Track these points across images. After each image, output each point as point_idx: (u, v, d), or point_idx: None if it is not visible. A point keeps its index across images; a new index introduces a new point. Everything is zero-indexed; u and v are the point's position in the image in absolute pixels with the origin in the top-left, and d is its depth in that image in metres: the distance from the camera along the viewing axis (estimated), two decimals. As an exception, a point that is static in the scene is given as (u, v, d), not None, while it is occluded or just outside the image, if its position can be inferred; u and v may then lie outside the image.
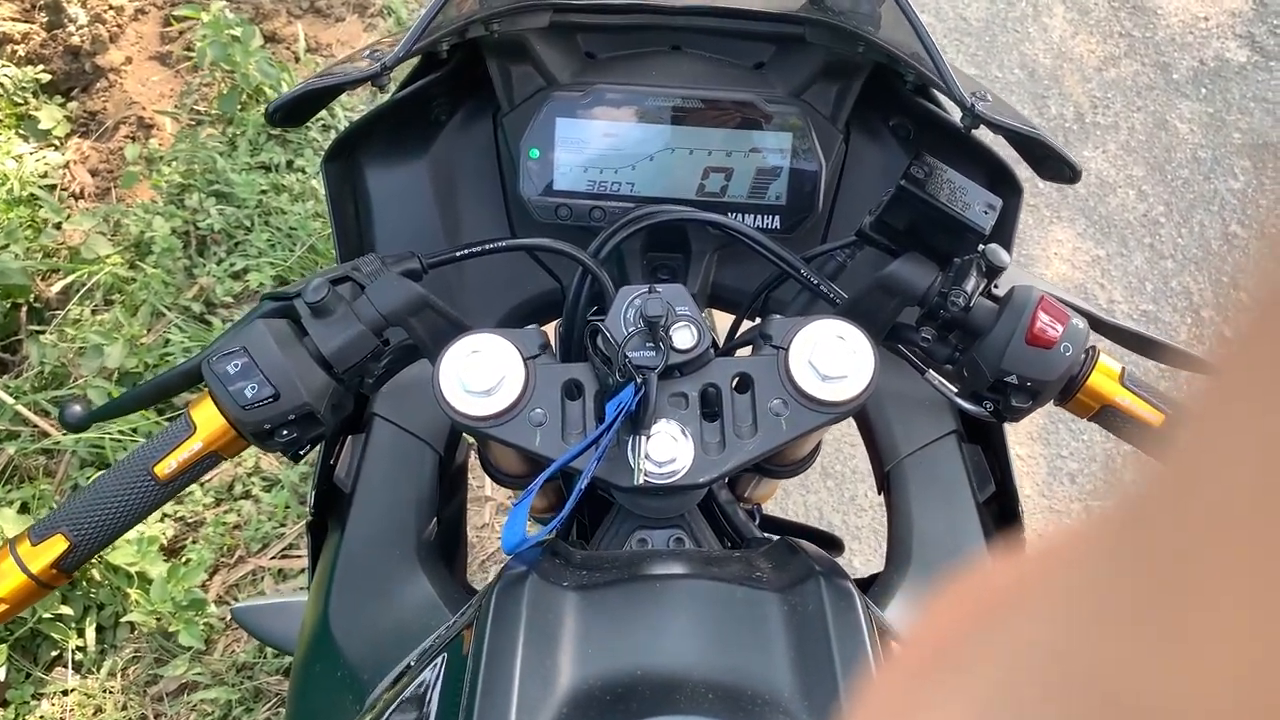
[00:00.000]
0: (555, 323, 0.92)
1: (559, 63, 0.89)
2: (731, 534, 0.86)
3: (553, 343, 0.73)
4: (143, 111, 2.53)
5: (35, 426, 2.05)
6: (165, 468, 0.69)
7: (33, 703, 1.84)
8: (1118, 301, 2.41)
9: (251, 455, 2.04)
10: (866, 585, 0.84)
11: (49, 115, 2.47)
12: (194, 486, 1.95)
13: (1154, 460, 0.17)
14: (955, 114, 0.79)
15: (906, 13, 0.76)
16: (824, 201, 0.89)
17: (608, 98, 0.87)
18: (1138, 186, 2.60)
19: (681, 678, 0.54)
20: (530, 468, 0.84)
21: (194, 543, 1.97)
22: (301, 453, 0.74)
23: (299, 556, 1.97)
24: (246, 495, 2.03)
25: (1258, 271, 0.15)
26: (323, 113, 0.72)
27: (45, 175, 2.40)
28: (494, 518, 2.04)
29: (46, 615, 1.82)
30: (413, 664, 0.68)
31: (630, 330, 0.68)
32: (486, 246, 0.82)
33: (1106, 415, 0.76)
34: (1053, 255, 2.47)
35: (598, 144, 0.88)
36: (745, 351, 0.75)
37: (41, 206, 2.32)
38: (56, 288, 2.24)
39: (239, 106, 2.46)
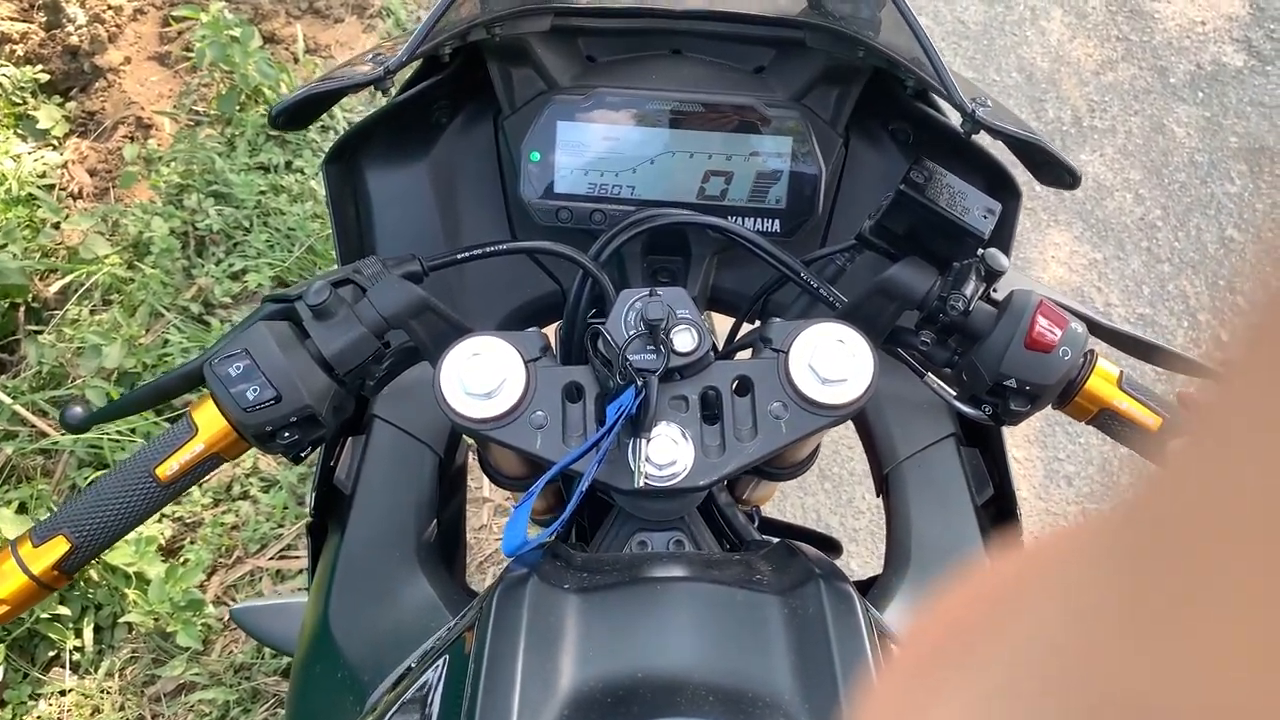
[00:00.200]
0: (556, 325, 0.93)
1: (560, 66, 0.89)
2: (731, 536, 0.87)
3: (553, 345, 0.73)
4: (141, 111, 2.53)
5: (33, 427, 2.05)
6: (167, 469, 0.69)
7: (30, 703, 1.84)
8: (1114, 305, 2.42)
9: (250, 456, 2.04)
10: (865, 588, 0.84)
11: (47, 115, 2.47)
12: (192, 487, 1.95)
13: (1152, 463, 0.17)
14: (955, 119, 0.80)
15: (906, 17, 0.76)
16: (824, 205, 0.89)
17: (608, 101, 0.88)
18: (1135, 190, 2.60)
19: (682, 680, 0.55)
20: (530, 470, 0.84)
21: (192, 543, 1.97)
22: (303, 455, 0.74)
23: (297, 557, 1.97)
24: (245, 496, 2.03)
25: (1256, 276, 0.15)
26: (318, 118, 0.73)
27: (44, 175, 2.40)
28: (492, 519, 2.05)
29: (44, 615, 1.82)
30: (414, 666, 0.68)
31: (631, 333, 0.68)
32: (487, 249, 0.82)
33: (1104, 419, 0.77)
34: (1050, 258, 2.48)
35: (598, 147, 0.88)
36: (745, 354, 0.76)
37: (40, 206, 2.32)
38: (55, 288, 2.24)
39: (238, 107, 2.46)
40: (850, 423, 0.88)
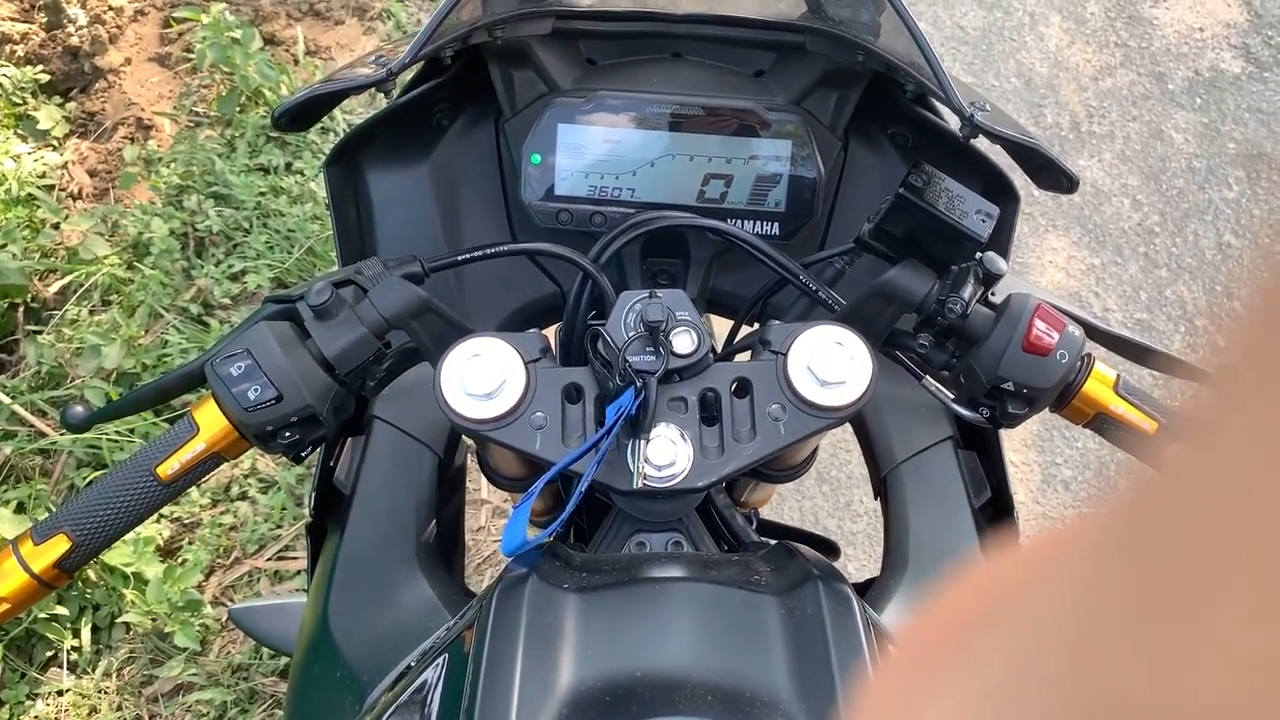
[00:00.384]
0: (555, 327, 0.93)
1: (561, 69, 0.89)
2: (729, 538, 0.87)
3: (553, 347, 0.73)
4: (141, 113, 2.53)
5: (32, 427, 2.05)
6: (168, 468, 0.70)
7: (27, 703, 1.84)
8: (1112, 310, 2.42)
9: (249, 458, 2.04)
10: (863, 590, 0.85)
11: (48, 115, 2.48)
12: (191, 488, 1.95)
13: (1148, 466, 0.17)
14: (954, 123, 0.80)
15: (906, 22, 0.77)
16: (823, 208, 0.90)
17: (609, 104, 0.88)
18: (1133, 196, 2.61)
19: (681, 679, 0.55)
20: (529, 471, 0.85)
21: (190, 544, 1.98)
22: (303, 454, 0.74)
23: (295, 558, 1.98)
24: (243, 497, 2.03)
25: (1253, 280, 0.16)
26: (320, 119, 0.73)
27: (43, 175, 2.40)
28: (490, 521, 2.05)
29: (42, 615, 1.82)
30: (413, 665, 0.68)
31: (630, 335, 0.69)
32: (488, 251, 0.83)
33: (1101, 422, 0.77)
34: (1048, 263, 2.48)
35: (599, 150, 0.89)
36: (744, 357, 0.76)
37: (39, 206, 2.32)
38: (54, 288, 2.24)
39: (238, 108, 2.46)
40: (848, 425, 0.88)
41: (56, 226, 2.31)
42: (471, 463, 1.22)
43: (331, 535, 0.86)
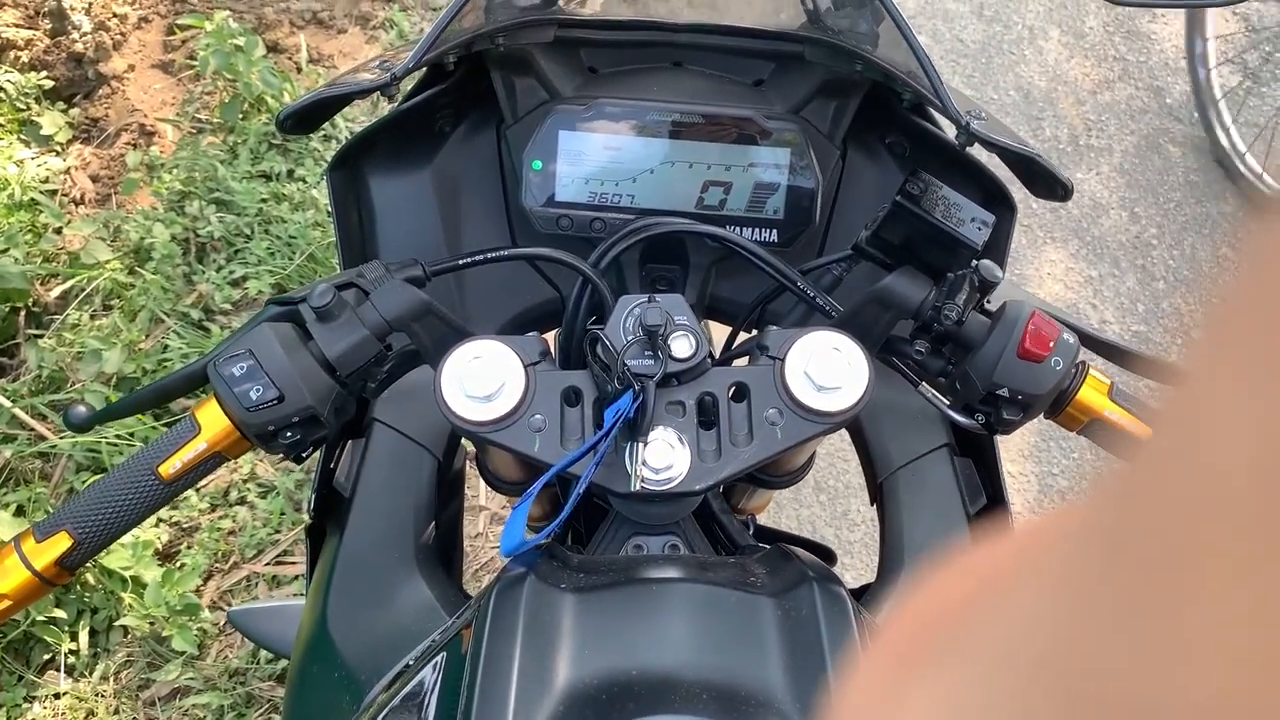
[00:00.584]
0: (555, 332, 0.94)
1: (562, 77, 0.90)
2: (725, 542, 0.88)
3: (552, 351, 0.74)
4: (144, 119, 2.54)
5: (32, 430, 2.05)
6: (169, 468, 0.70)
7: (24, 705, 1.84)
8: (1109, 322, 2.43)
9: (248, 462, 2.05)
10: (858, 595, 0.85)
11: (51, 121, 2.49)
12: (190, 492, 1.96)
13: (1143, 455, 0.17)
14: (951, 132, 0.81)
15: (904, 32, 0.78)
16: (821, 216, 0.91)
17: (610, 112, 0.89)
18: (1130, 208, 2.62)
19: (676, 678, 0.55)
20: (528, 474, 0.85)
21: (189, 548, 1.98)
22: (304, 455, 0.75)
23: (293, 563, 1.98)
24: (242, 501, 2.04)
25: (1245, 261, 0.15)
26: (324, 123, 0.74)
27: (46, 180, 2.41)
28: (488, 527, 2.05)
29: (40, 618, 1.82)
30: (410, 664, 0.69)
31: (629, 339, 0.69)
32: (489, 255, 0.83)
33: (1096, 429, 0.78)
34: (1046, 275, 2.49)
35: (599, 157, 0.89)
36: (742, 362, 0.77)
37: (42, 211, 2.33)
38: (55, 292, 2.25)
39: (240, 115, 2.47)
40: (845, 434, 0.89)
41: (59, 231, 2.32)
42: (470, 468, 1.22)
43: (331, 537, 0.86)
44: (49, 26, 2.61)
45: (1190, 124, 2.76)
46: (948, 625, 0.26)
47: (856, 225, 0.82)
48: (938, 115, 0.84)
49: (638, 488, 0.66)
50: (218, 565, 1.99)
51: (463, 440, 0.93)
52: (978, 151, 0.81)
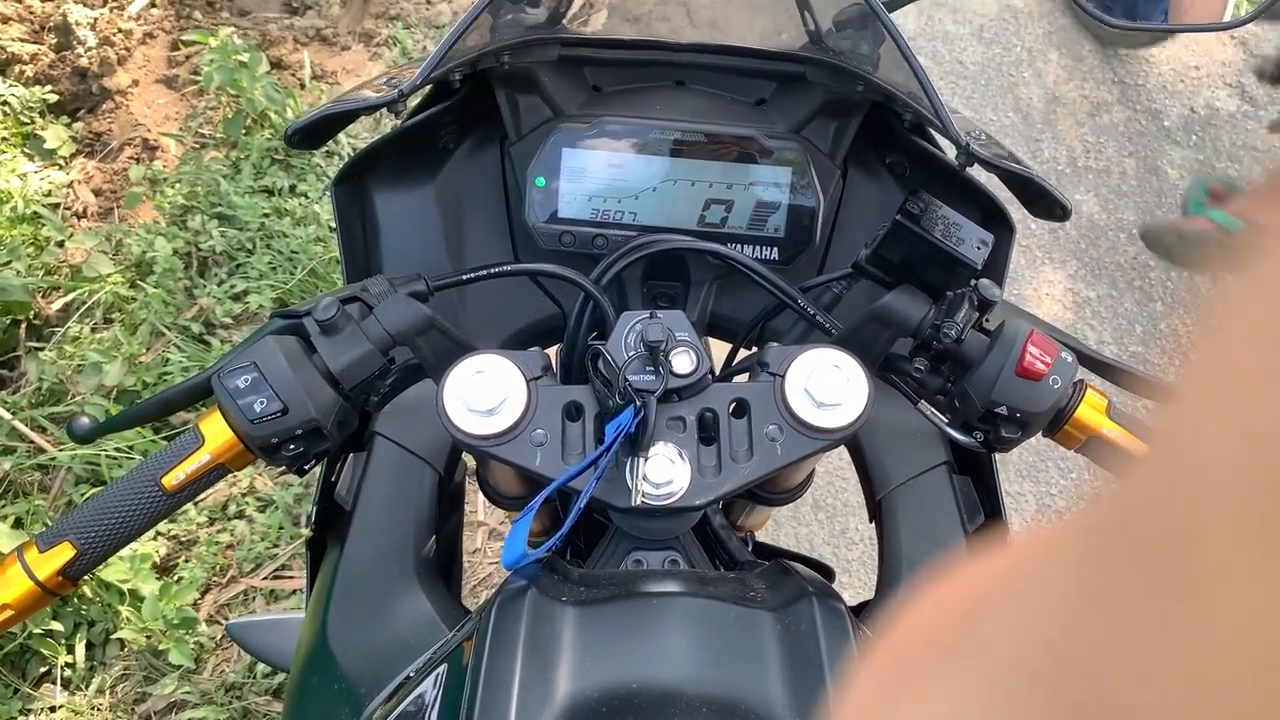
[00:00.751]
0: (555, 347, 0.94)
1: (566, 95, 0.91)
2: (724, 558, 0.88)
3: (553, 366, 0.74)
4: (148, 133, 2.55)
5: (31, 442, 2.05)
6: (173, 479, 0.70)
7: (20, 718, 1.83)
8: (1107, 343, 2.44)
9: (246, 475, 2.05)
10: (857, 612, 0.85)
11: (54, 135, 2.50)
12: (188, 505, 1.96)
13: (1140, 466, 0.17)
14: (950, 153, 0.82)
15: (905, 54, 0.78)
16: (821, 234, 0.91)
17: (613, 130, 0.90)
18: (1128, 230, 2.63)
19: (676, 691, 0.56)
20: (528, 489, 0.86)
21: (187, 561, 1.98)
22: (307, 467, 0.75)
23: (291, 577, 1.98)
24: (240, 515, 2.04)
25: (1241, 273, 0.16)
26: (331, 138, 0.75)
27: (49, 194, 2.42)
28: (486, 543, 2.05)
29: (36, 631, 1.82)
30: (411, 675, 0.69)
31: (631, 354, 0.70)
32: (492, 270, 0.84)
33: (1094, 446, 0.78)
34: (1044, 296, 2.50)
35: (602, 174, 0.90)
36: (742, 378, 0.77)
37: (44, 225, 2.34)
38: (57, 305, 2.25)
39: (244, 131, 2.48)
40: (844, 452, 0.89)
41: (61, 244, 2.33)
42: (469, 485, 1.23)
43: (331, 550, 0.87)
44: (54, 41, 2.63)
45: (1188, 146, 2.77)
46: (948, 632, 0.26)
47: (856, 244, 0.83)
48: (937, 136, 0.85)
49: (638, 502, 0.67)
50: (215, 579, 1.99)
51: (463, 455, 0.94)
52: (977, 172, 0.82)
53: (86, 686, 1.87)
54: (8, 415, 2.05)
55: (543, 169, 0.90)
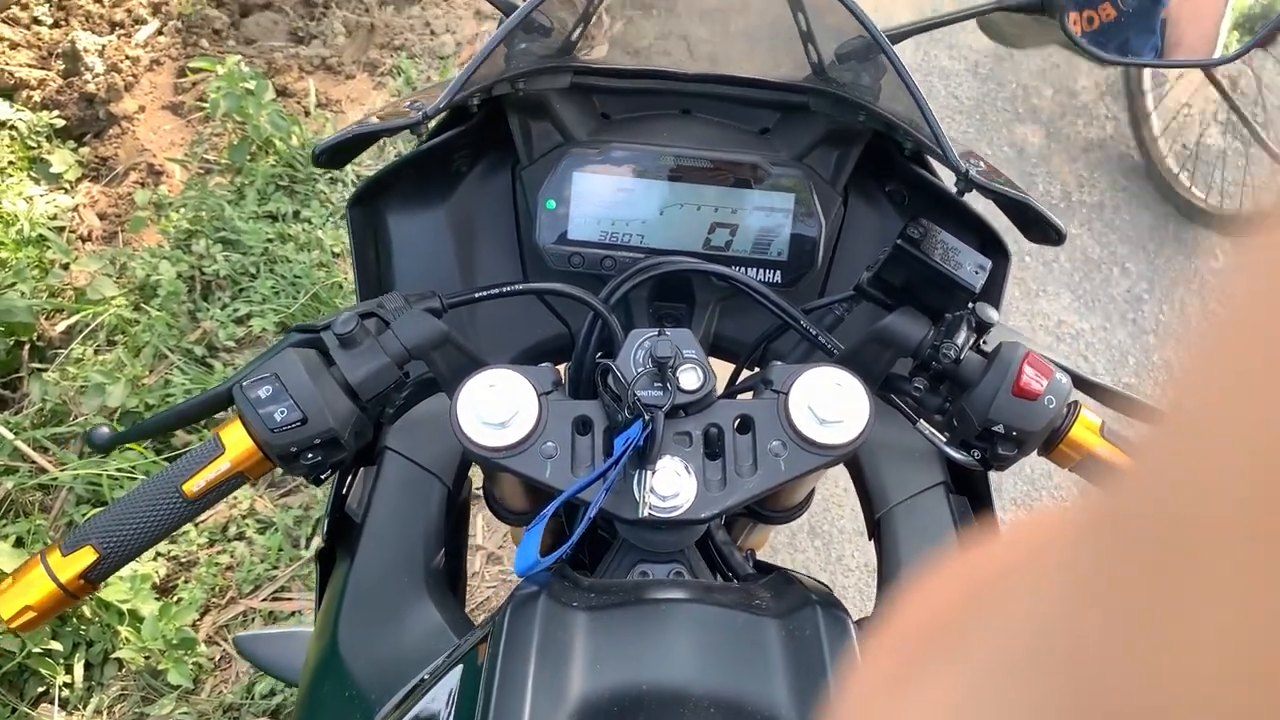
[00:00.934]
0: (563, 366, 0.96)
1: (577, 121, 0.94)
2: (727, 572, 0.90)
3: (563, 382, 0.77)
4: (153, 158, 2.59)
5: (33, 463, 2.07)
6: (194, 486, 0.72)
7: (17, 738, 1.84)
8: (1101, 374, 2.47)
9: (246, 497, 2.06)
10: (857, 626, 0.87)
11: (61, 159, 2.53)
12: (188, 526, 1.97)
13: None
14: (948, 181, 0.84)
15: (907, 83, 0.81)
16: (823, 258, 0.94)
17: (621, 155, 0.92)
18: (1122, 264, 2.67)
19: (686, 693, 0.57)
20: (534, 504, 0.88)
21: (186, 582, 1.99)
22: (323, 476, 0.77)
23: (290, 599, 1.99)
24: (240, 536, 2.05)
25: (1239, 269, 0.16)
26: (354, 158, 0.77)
27: (54, 217, 2.45)
28: (484, 567, 2.06)
29: (35, 650, 1.82)
30: (426, 678, 0.71)
31: (640, 370, 0.72)
32: (504, 289, 0.86)
33: (1087, 466, 0.80)
34: (1038, 327, 2.53)
35: (610, 198, 0.93)
36: (747, 396, 0.79)
37: (50, 248, 2.36)
38: (60, 327, 2.27)
39: (249, 157, 2.51)
40: (842, 478, 0.91)
41: (65, 267, 2.35)
42: (473, 504, 1.24)
43: (341, 561, 0.88)
44: (62, 67, 2.66)
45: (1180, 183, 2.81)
46: (947, 626, 0.26)
47: (857, 268, 0.85)
48: (935, 165, 0.88)
49: (645, 514, 0.68)
50: (215, 600, 1.99)
51: (470, 471, 0.95)
52: (974, 201, 0.84)
53: (84, 707, 1.87)
54: (10, 435, 2.06)
55: (553, 192, 0.92)
